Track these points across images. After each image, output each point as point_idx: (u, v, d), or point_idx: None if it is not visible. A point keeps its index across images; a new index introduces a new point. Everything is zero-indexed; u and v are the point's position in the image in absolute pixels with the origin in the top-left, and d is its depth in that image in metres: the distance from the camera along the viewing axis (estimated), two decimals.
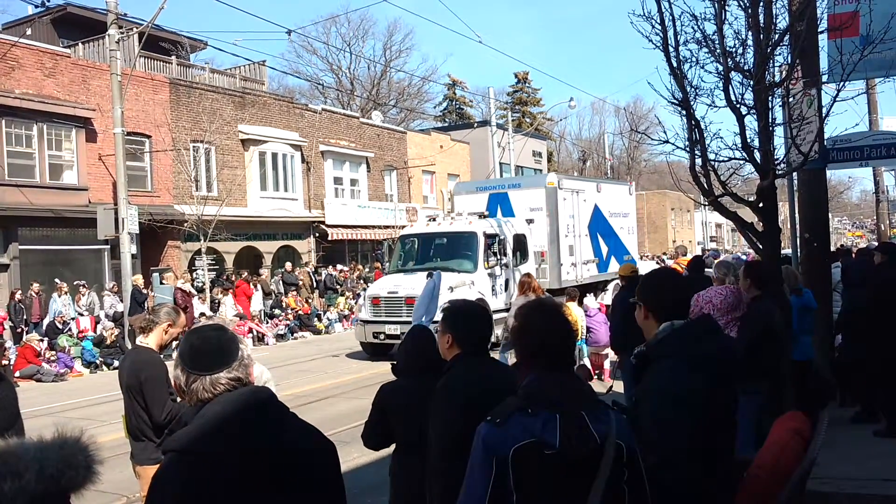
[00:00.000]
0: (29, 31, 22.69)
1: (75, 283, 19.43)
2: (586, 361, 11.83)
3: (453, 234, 17.17)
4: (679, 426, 2.65)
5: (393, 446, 4.08)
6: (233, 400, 2.11)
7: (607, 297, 16.85)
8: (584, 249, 19.95)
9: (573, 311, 11.87)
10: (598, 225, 20.89)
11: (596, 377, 11.59)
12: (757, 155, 6.03)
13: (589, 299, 14.36)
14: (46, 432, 1.93)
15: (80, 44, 24.26)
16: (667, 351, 2.85)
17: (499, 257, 16.46)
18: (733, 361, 3.09)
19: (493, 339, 3.76)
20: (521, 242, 17.74)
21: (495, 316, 13.76)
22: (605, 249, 21.20)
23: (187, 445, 2.06)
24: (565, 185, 19.50)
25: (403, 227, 24.38)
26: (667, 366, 2.79)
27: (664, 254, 33.16)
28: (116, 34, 17.60)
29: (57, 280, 18.92)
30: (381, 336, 15.64)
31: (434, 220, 18.37)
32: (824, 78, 7.73)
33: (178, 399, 4.87)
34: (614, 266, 20.33)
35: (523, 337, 2.61)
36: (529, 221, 18.34)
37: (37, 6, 19.17)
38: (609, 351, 11.54)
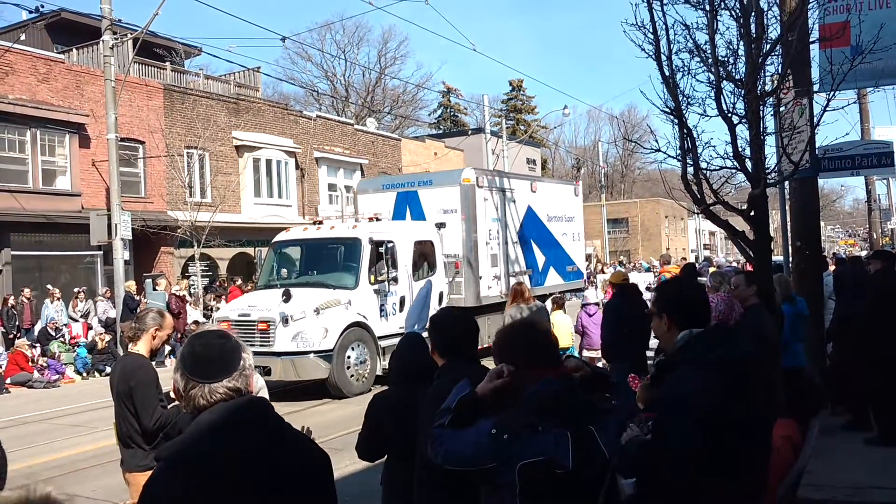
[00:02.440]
0: (23, 37, 22.62)
1: (75, 289, 19.36)
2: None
3: (332, 242, 14.40)
4: (697, 432, 2.65)
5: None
6: (229, 409, 2.10)
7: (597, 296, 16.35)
8: (512, 259, 16.66)
9: (559, 319, 11.81)
10: (533, 231, 17.60)
11: None
12: (748, 164, 6.06)
13: (590, 293, 13.95)
14: (13, 493, 1.85)
15: (74, 49, 24.24)
16: (687, 358, 2.86)
17: (389, 270, 13.61)
18: (753, 366, 3.11)
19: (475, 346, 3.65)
20: (426, 251, 14.87)
21: (386, 343, 13.00)
22: (541, 259, 17.87)
23: (180, 454, 2.05)
24: (486, 181, 16.02)
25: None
26: (686, 372, 2.80)
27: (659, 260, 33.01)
28: (111, 40, 17.59)
29: (49, 286, 18.85)
30: None
31: (321, 223, 15.23)
32: (815, 87, 7.78)
33: (169, 405, 4.87)
34: (554, 279, 18.11)
35: (507, 350, 2.65)
36: (440, 226, 15.20)
37: (31, 11, 19.20)
38: (599, 353, 11.40)
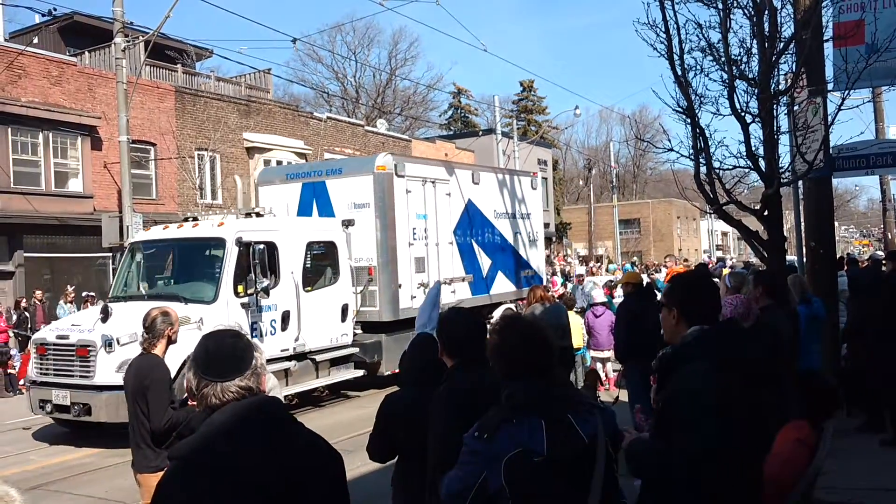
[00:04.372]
0: (36, 40, 22.77)
1: (83, 293, 19.45)
2: (599, 367, 11.56)
3: (193, 244, 11.54)
4: (708, 427, 2.65)
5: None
6: (241, 409, 2.10)
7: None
8: (446, 264, 13.98)
9: (571, 320, 11.71)
10: (475, 230, 14.97)
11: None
12: (762, 163, 6.02)
13: (597, 292, 13.45)
14: None
15: (86, 52, 24.38)
16: (696, 353, 2.85)
17: (270, 278, 10.95)
18: (761, 364, 3.11)
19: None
20: (328, 254, 12.49)
21: (270, 367, 10.28)
22: (485, 264, 15.20)
23: (193, 453, 2.05)
24: (410, 170, 13.34)
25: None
26: (696, 368, 2.79)
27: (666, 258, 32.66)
28: (122, 42, 17.66)
29: (68, 286, 18.94)
30: (48, 407, 10.04)
31: (196, 219, 12.13)
32: (830, 86, 7.72)
33: (180, 407, 4.89)
34: (502, 286, 15.58)
35: (500, 353, 2.64)
36: (347, 223, 12.72)
37: (44, 15, 19.30)
38: (610, 354, 11.34)
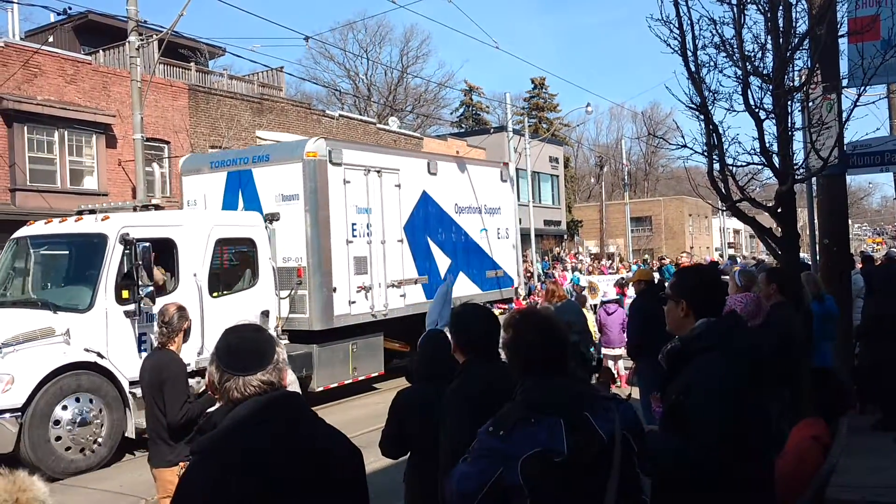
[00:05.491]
0: (51, 39, 22.93)
1: None
2: (611, 364, 11.54)
3: (71, 241, 10.00)
4: (725, 418, 2.67)
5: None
6: (262, 403, 2.12)
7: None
8: (394, 264, 12.48)
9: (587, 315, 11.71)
10: (431, 226, 13.43)
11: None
12: (776, 160, 5.98)
13: (611, 290, 13.31)
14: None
15: (100, 51, 24.53)
16: (709, 345, 2.85)
17: (149, 281, 9.12)
18: (765, 357, 3.13)
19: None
20: (245, 254, 11.01)
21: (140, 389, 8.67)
22: (444, 264, 13.56)
23: (215, 447, 2.08)
24: (349, 158, 11.74)
25: None
26: (712, 359, 2.80)
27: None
28: (136, 41, 17.74)
29: None
30: None
31: (92, 212, 10.34)
32: (844, 82, 7.66)
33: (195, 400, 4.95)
34: (464, 288, 13.66)
35: (515, 348, 2.62)
36: (271, 218, 11.27)
37: (59, 14, 19.43)
38: (622, 352, 11.33)
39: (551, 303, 9.21)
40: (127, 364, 8.97)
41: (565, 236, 47.20)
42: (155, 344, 5.19)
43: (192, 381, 9.17)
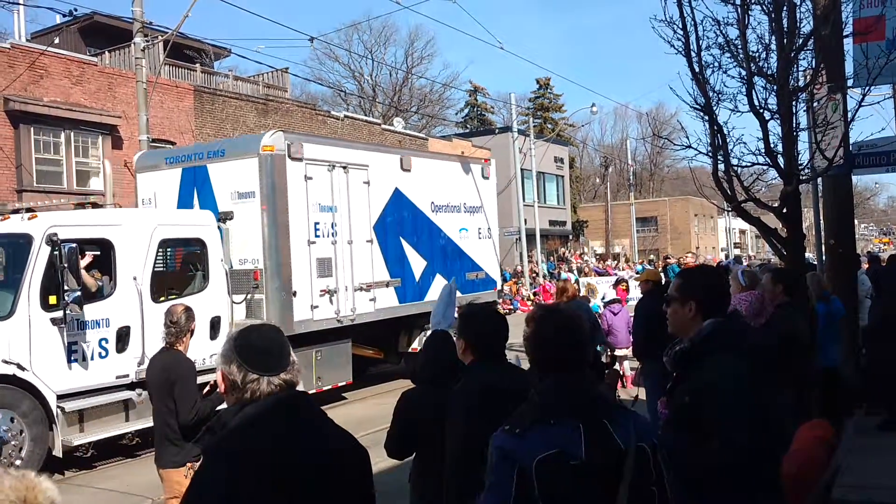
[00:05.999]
0: (57, 40, 23.01)
1: None
2: (617, 366, 11.49)
3: None
4: (743, 415, 2.69)
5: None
6: (273, 403, 2.13)
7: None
8: (362, 266, 11.76)
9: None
10: (405, 225, 12.70)
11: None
12: (781, 160, 5.99)
13: (611, 293, 13.21)
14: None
15: (106, 52, 24.61)
16: (720, 345, 2.86)
17: (76, 286, 8.31)
18: (769, 357, 3.15)
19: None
20: (194, 254, 10.26)
21: (80, 404, 8.50)
22: (419, 265, 12.93)
23: (227, 446, 2.09)
24: (311, 152, 11.07)
25: None
26: (729, 360, 2.81)
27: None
28: (142, 42, 17.80)
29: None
30: None
31: (29, 211, 9.56)
32: (849, 82, 7.65)
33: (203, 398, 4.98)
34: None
35: (536, 344, 2.61)
36: (224, 217, 10.55)
37: (65, 15, 19.51)
38: (627, 352, 11.29)
39: (562, 301, 9.21)
40: (53, 376, 8.29)
41: (570, 236, 47.16)
42: (162, 344, 5.19)
43: (132, 394, 8.85)
